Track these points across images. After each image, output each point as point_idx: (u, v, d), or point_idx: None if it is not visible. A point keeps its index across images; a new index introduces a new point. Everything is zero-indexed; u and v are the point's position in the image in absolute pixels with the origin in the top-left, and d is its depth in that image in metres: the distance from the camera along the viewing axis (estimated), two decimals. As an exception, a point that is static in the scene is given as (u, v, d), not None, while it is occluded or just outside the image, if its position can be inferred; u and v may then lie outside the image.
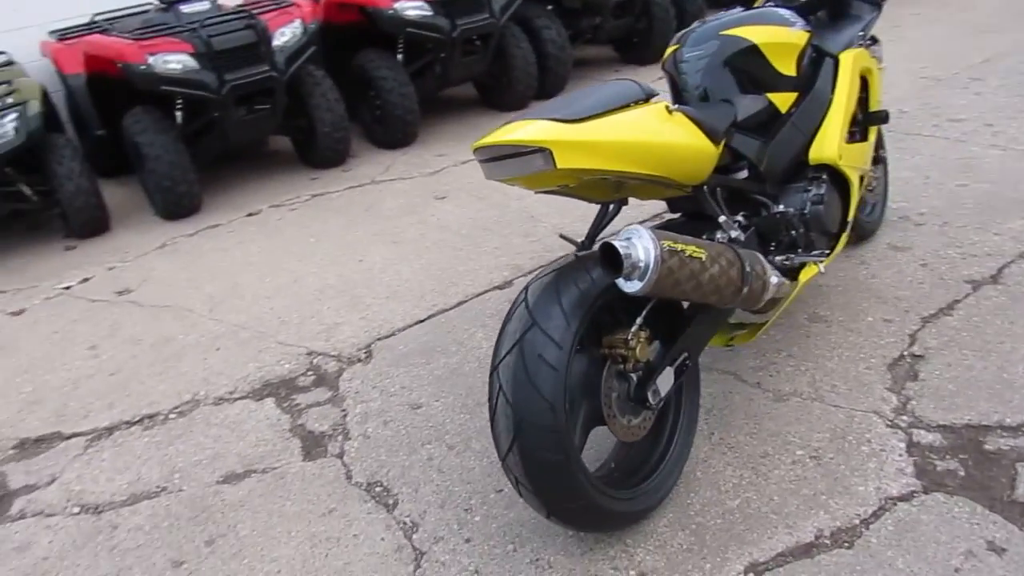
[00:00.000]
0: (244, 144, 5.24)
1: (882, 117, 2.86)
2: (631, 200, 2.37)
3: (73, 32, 5.26)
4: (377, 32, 5.31)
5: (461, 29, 5.23)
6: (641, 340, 1.99)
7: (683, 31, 2.67)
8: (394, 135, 5.35)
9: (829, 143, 2.57)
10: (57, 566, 2.33)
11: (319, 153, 5.14)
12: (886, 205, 3.51)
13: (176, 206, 4.67)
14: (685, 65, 2.55)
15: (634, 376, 2.03)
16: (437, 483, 2.42)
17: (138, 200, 4.99)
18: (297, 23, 4.87)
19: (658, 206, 2.69)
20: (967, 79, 5.30)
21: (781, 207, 2.49)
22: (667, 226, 2.42)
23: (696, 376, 2.31)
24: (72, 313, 3.83)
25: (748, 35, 2.51)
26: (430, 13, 5.21)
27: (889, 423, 2.40)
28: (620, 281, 1.82)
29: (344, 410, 2.83)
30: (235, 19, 4.67)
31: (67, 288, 4.08)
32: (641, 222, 3.29)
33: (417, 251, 3.93)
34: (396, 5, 5.11)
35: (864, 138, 2.88)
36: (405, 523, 2.29)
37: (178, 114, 4.72)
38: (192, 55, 4.45)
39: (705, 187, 2.24)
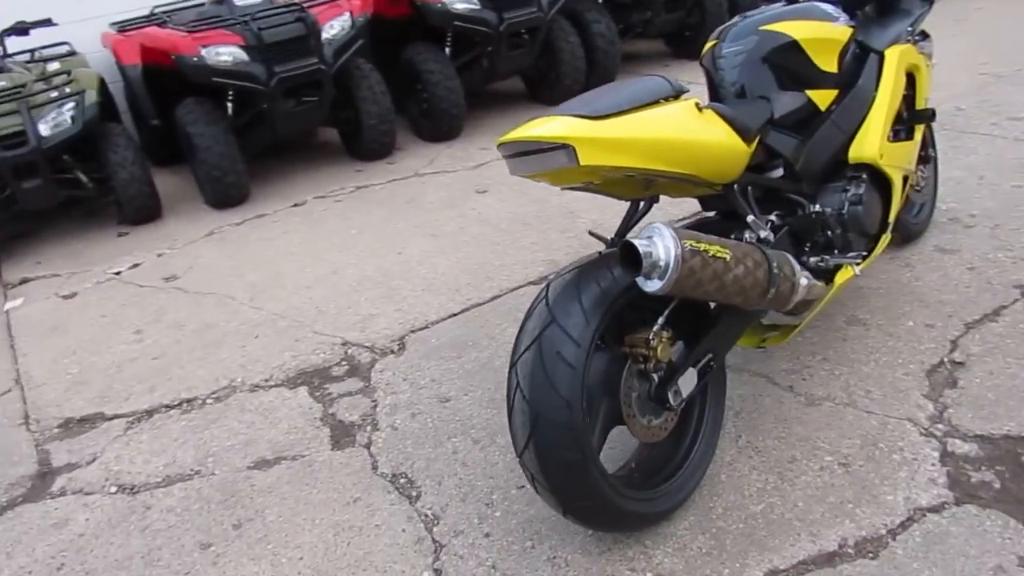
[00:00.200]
0: (292, 136, 5.32)
1: (928, 115, 2.77)
2: (668, 198, 2.35)
3: (132, 24, 5.39)
4: (426, 26, 5.34)
5: (508, 23, 5.23)
6: (663, 340, 1.97)
7: (723, 26, 2.62)
8: (440, 128, 5.38)
9: (870, 142, 2.50)
10: (91, 543, 2.41)
11: (365, 145, 5.19)
12: (935, 206, 3.40)
13: (224, 195, 4.77)
14: (723, 61, 2.50)
15: (655, 376, 2.00)
16: (460, 477, 2.43)
17: (190, 189, 5.11)
18: (346, 16, 4.93)
19: (694, 204, 2.65)
20: (1031, 76, 5.12)
21: (817, 207, 2.43)
22: (697, 225, 2.38)
23: (722, 377, 2.28)
24: (121, 297, 3.95)
25: (788, 31, 2.46)
26: (478, 7, 5.22)
27: (924, 431, 2.33)
28: (640, 280, 1.80)
29: (374, 401, 2.87)
30: (285, 12, 4.74)
31: (117, 273, 4.21)
32: (679, 220, 3.26)
33: (455, 244, 3.95)
34: (445, -1, 5.14)
35: (909, 137, 2.79)
36: (427, 515, 2.31)
37: (229, 105, 4.82)
38: (243, 47, 4.54)
39: (736, 186, 2.20)
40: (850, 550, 1.99)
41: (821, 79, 2.48)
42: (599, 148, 1.80)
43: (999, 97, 4.82)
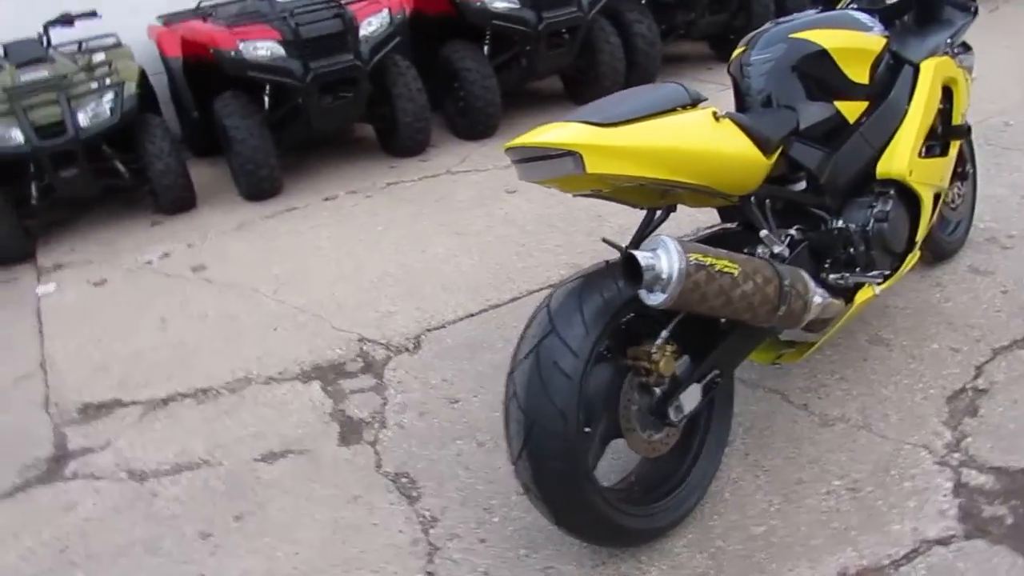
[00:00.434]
0: (328, 131, 5.35)
1: (962, 132, 2.68)
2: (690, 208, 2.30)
3: (178, 17, 5.48)
4: (465, 24, 5.33)
5: (547, 22, 5.19)
6: (667, 354, 1.93)
7: (752, 33, 2.56)
8: (475, 127, 5.37)
9: (899, 157, 2.42)
10: (97, 528, 2.45)
11: (399, 142, 5.20)
12: (971, 224, 3.29)
13: (257, 188, 4.82)
14: (750, 69, 2.44)
15: (657, 390, 1.96)
16: (462, 480, 2.42)
17: (225, 181, 5.17)
18: (384, 13, 4.93)
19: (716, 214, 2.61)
20: (1087, 93, 4.93)
21: (840, 222, 2.36)
22: (715, 236, 2.33)
23: (730, 394, 2.22)
24: (149, 286, 4.01)
25: (818, 39, 2.39)
26: (517, 6, 5.19)
27: (938, 460, 2.25)
28: (643, 293, 1.77)
29: (385, 399, 2.86)
30: (324, 8, 4.77)
31: (148, 262, 4.28)
32: (705, 229, 3.20)
33: (480, 244, 3.93)
34: (484, -3, 5.12)
35: (944, 153, 2.70)
36: (425, 517, 2.30)
37: (266, 100, 4.87)
38: (280, 42, 4.58)
39: (753, 198, 2.14)
40: (851, 579, 1.93)
41: (851, 90, 2.41)
42: (607, 156, 1.77)
43: (1051, 113, 4.65)
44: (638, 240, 2.26)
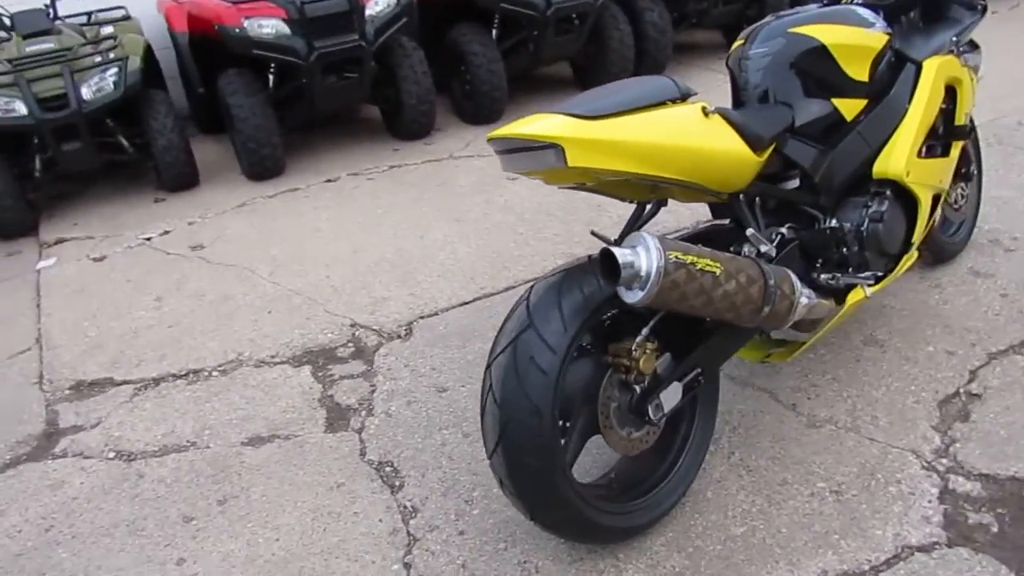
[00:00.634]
0: (333, 111, 5.33)
1: (964, 133, 2.62)
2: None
3: (190, -8, 5.46)
4: (474, 7, 5.28)
5: (556, 7, 5.13)
6: (647, 352, 1.90)
7: (752, 26, 2.50)
8: (480, 111, 5.33)
9: (897, 157, 2.38)
10: (83, 507, 2.45)
11: (404, 125, 5.17)
12: (974, 226, 3.23)
13: (259, 167, 4.81)
14: (748, 63, 2.39)
15: (637, 388, 1.94)
16: (445, 470, 2.41)
17: (230, 159, 5.16)
18: (391, -7, 4.90)
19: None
20: (1104, 91, 4.84)
21: (834, 222, 2.32)
22: (705, 233, 2.29)
23: (714, 394, 2.20)
24: (148, 264, 4.01)
25: (817, 34, 2.34)
26: (525, -10, 5.14)
27: (926, 465, 2.22)
28: (621, 290, 1.74)
29: (373, 386, 2.86)
30: (331, -13, 4.73)
31: (148, 239, 4.28)
32: (703, 224, 3.16)
33: (478, 231, 3.91)
34: (493, -20, 5.07)
35: (945, 154, 2.65)
36: (405, 507, 2.29)
37: (270, 78, 4.85)
38: (285, 21, 4.55)
39: (742, 196, 2.11)
40: (828, 584, 1.91)
41: (849, 87, 2.36)
42: (589, 149, 1.74)
43: (1066, 113, 4.57)
44: (627, 234, 2.24)
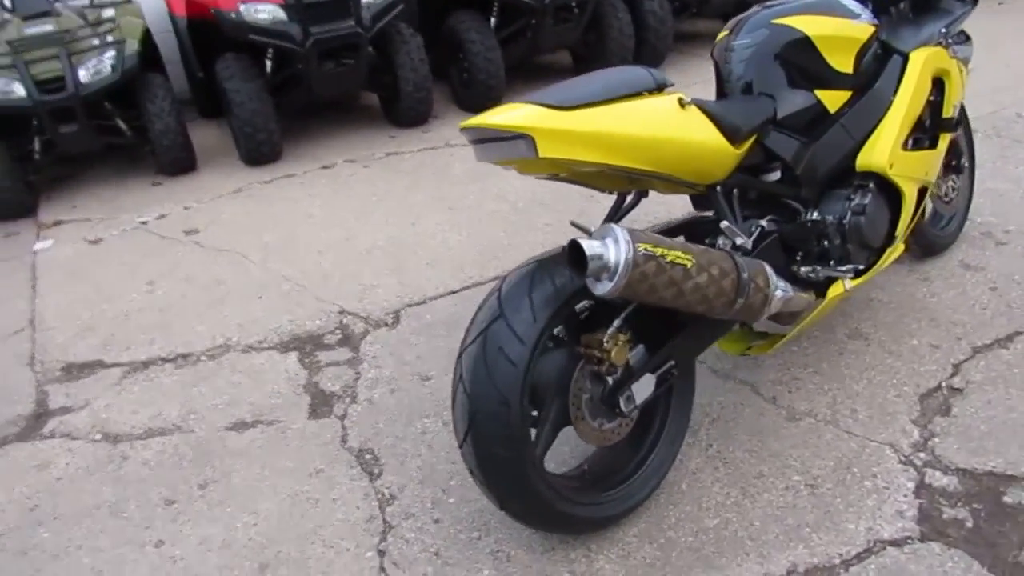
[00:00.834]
0: (330, 98, 5.33)
1: (951, 125, 2.60)
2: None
3: (188, -24, 5.46)
4: (472, -5, 5.28)
5: (553, -4, 5.12)
6: (619, 343, 1.90)
7: (738, 17, 2.49)
8: (477, 99, 5.31)
9: (880, 149, 2.36)
10: (67, 488, 2.48)
11: (401, 112, 5.17)
12: (966, 219, 3.21)
13: (256, 153, 4.82)
14: (731, 54, 2.38)
15: (609, 379, 1.94)
16: (424, 458, 2.42)
17: (228, 144, 5.17)
18: (389, -20, 4.88)
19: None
20: (1107, 84, 4.78)
21: (815, 214, 2.31)
22: (679, 226, 2.29)
23: (689, 386, 2.19)
24: (142, 247, 4.04)
25: (801, 26, 2.32)
26: (522, -23, 5.12)
27: (903, 459, 2.22)
28: (590, 281, 1.74)
29: (358, 373, 2.87)
30: (327, -27, 4.72)
31: (144, 223, 4.30)
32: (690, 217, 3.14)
33: (470, 220, 3.91)
34: (489, -32, 5.05)
35: (933, 146, 2.63)
36: (383, 494, 2.30)
37: (268, 64, 4.85)
38: (281, 6, 4.55)
39: (719, 187, 2.10)
40: (798, 577, 1.92)
41: (833, 79, 2.35)
42: (559, 140, 1.74)
43: (1067, 105, 4.53)
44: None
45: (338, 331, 3.14)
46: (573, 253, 1.70)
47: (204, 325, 3.27)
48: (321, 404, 2.73)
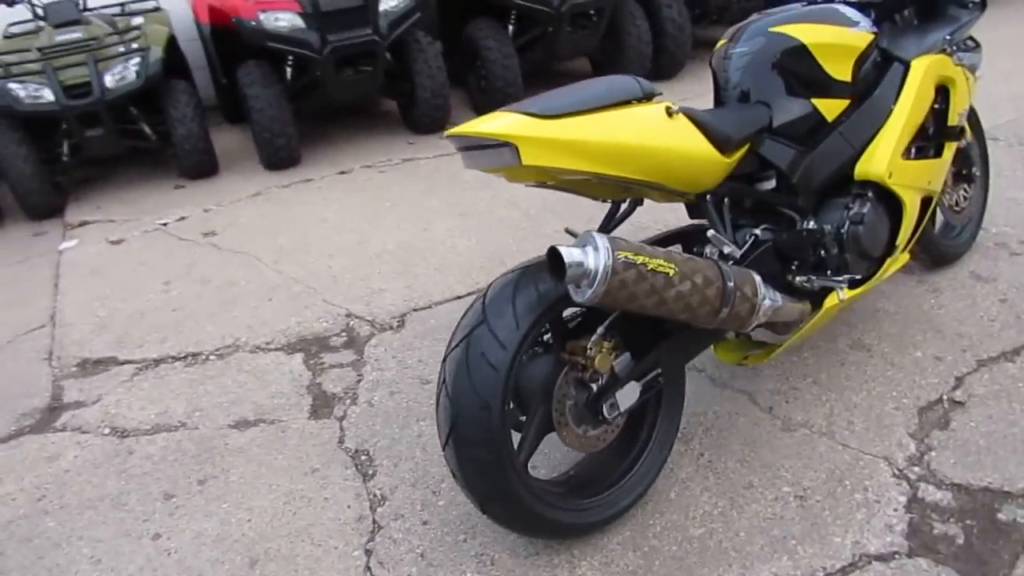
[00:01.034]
0: (348, 104, 5.39)
1: (955, 133, 2.56)
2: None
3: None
4: (490, 3, 5.30)
5: (570, 3, 5.13)
6: (603, 350, 1.91)
7: (736, 26, 2.49)
8: (494, 106, 5.20)
9: (879, 158, 2.34)
10: (73, 480, 2.55)
11: (419, 118, 5.22)
12: (979, 228, 3.16)
13: (275, 158, 4.89)
14: (729, 63, 2.38)
15: (593, 386, 1.95)
16: (417, 460, 2.45)
17: (250, 148, 5.26)
18: (406, -12, 4.94)
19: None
20: None
21: (811, 223, 2.30)
22: (672, 235, 2.29)
23: (678, 394, 2.19)
24: (161, 248, 4.12)
25: (798, 34, 2.31)
26: (538, -15, 5.14)
27: (896, 472, 2.19)
28: (570, 288, 1.75)
29: (361, 375, 2.90)
30: (345, -19, 4.79)
31: (164, 224, 4.39)
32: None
33: (480, 226, 3.93)
34: (506, -24, 5.08)
35: (938, 155, 2.59)
36: (375, 495, 2.33)
37: (288, 71, 4.93)
38: (300, 14, 4.62)
39: (709, 196, 2.10)
40: (779, 589, 1.91)
41: (830, 87, 2.33)
42: (543, 148, 1.76)
43: (1093, 115, 4.43)
44: (603, 232, 2.24)
45: (344, 334, 3.18)
46: (553, 260, 1.71)
47: (215, 325, 3.34)
48: (322, 405, 2.77)
